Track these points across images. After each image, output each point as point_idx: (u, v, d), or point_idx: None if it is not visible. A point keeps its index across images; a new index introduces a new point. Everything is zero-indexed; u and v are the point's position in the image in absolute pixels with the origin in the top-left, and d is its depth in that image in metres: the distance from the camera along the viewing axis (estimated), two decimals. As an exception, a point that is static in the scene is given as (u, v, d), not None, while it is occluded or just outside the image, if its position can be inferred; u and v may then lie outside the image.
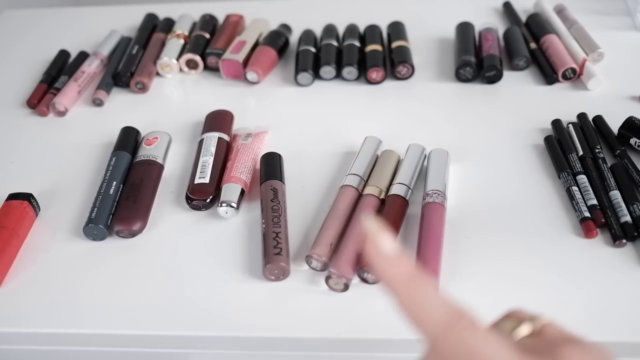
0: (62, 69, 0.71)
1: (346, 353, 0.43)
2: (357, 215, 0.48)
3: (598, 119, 0.57)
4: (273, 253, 0.45)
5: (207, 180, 0.52)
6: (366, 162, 0.53)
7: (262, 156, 0.55)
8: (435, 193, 0.48)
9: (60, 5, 0.92)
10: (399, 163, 0.53)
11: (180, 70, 0.70)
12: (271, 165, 0.53)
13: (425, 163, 0.53)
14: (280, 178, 0.52)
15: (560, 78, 0.64)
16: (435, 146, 0.54)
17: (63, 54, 0.73)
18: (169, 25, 0.76)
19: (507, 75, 0.66)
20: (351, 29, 0.72)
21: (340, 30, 0.74)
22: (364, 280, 0.45)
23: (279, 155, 0.55)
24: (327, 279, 0.44)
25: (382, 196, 0.50)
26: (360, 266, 0.44)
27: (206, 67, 0.70)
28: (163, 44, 0.73)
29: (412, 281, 0.27)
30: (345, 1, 0.83)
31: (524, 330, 0.29)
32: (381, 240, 0.27)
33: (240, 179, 0.52)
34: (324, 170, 0.55)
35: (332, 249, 0.46)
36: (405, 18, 0.74)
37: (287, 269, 0.45)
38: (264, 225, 0.48)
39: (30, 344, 0.45)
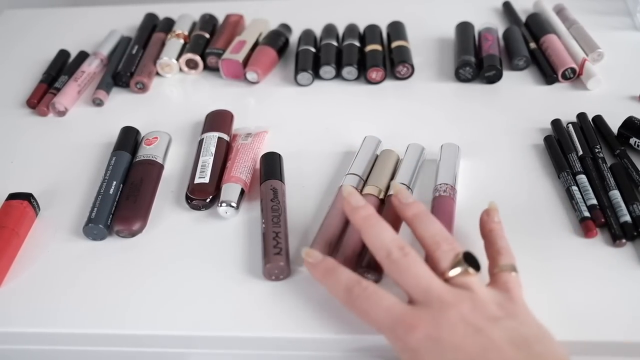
0: (62, 68, 0.71)
1: (346, 353, 0.43)
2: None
3: (598, 119, 0.57)
4: (273, 253, 0.45)
5: (207, 180, 0.53)
6: (365, 162, 0.53)
7: (262, 156, 0.55)
8: (446, 186, 0.49)
9: (60, 5, 0.92)
10: (398, 163, 0.53)
11: (180, 70, 0.70)
12: (271, 165, 0.53)
13: (433, 159, 0.54)
14: (280, 178, 0.52)
15: (560, 78, 0.64)
16: (434, 146, 0.54)
17: (63, 54, 0.73)
18: (168, 25, 0.76)
19: (507, 75, 0.66)
20: (351, 29, 0.72)
21: (340, 30, 0.74)
22: None
23: (279, 155, 0.55)
24: None
25: (381, 196, 0.50)
26: (361, 266, 0.44)
27: (206, 67, 0.70)
28: (163, 44, 0.73)
29: (368, 219, 0.42)
30: (345, 1, 0.83)
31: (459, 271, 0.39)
32: (351, 197, 0.43)
33: (240, 178, 0.52)
34: (324, 169, 0.55)
35: (332, 249, 0.46)
36: (405, 18, 0.74)
37: (287, 269, 0.45)
38: (263, 225, 0.48)
39: (30, 344, 0.45)
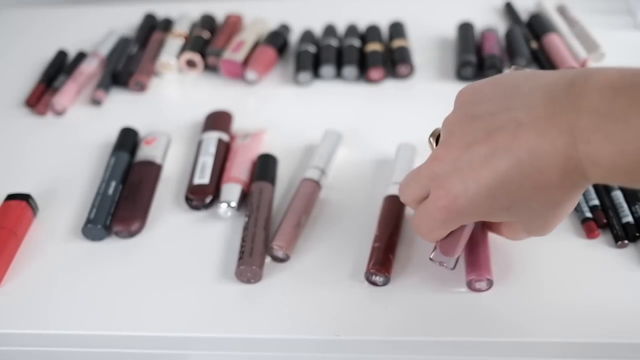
0: (60, 68, 0.71)
1: (346, 354, 0.43)
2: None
3: (599, 119, 0.57)
4: (238, 258, 0.45)
5: (206, 180, 0.52)
6: (326, 155, 0.54)
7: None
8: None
9: (59, 4, 0.92)
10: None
11: (180, 70, 0.70)
12: (258, 168, 0.53)
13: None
14: (265, 179, 0.52)
15: (561, 78, 0.64)
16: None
17: (62, 54, 0.73)
18: (168, 24, 0.76)
19: (508, 75, 0.65)
20: (351, 29, 0.72)
21: (341, 30, 0.74)
22: (373, 284, 0.44)
23: (268, 156, 0.54)
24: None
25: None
26: (369, 270, 0.44)
27: (206, 67, 0.70)
28: (162, 44, 0.73)
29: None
30: (345, 1, 0.83)
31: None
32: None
33: (240, 179, 0.52)
34: (324, 170, 0.55)
35: (300, 229, 0.47)
36: (406, 18, 0.74)
37: (257, 272, 0.45)
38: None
39: (30, 344, 0.45)
